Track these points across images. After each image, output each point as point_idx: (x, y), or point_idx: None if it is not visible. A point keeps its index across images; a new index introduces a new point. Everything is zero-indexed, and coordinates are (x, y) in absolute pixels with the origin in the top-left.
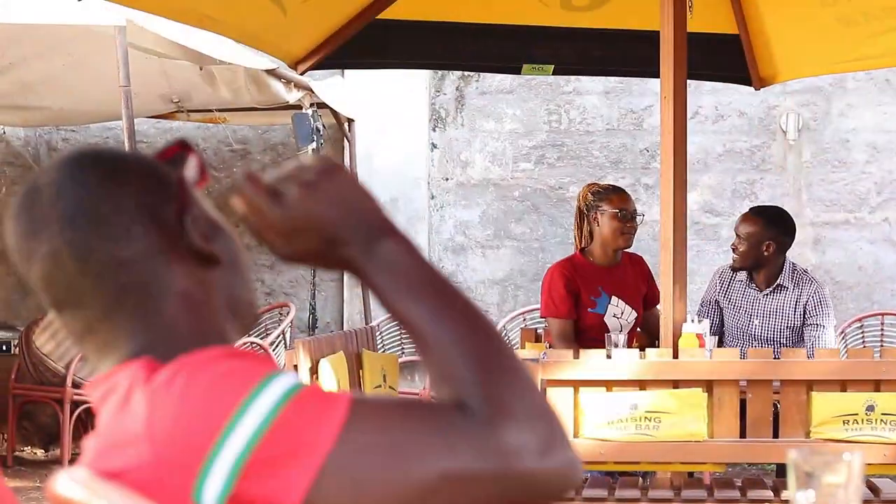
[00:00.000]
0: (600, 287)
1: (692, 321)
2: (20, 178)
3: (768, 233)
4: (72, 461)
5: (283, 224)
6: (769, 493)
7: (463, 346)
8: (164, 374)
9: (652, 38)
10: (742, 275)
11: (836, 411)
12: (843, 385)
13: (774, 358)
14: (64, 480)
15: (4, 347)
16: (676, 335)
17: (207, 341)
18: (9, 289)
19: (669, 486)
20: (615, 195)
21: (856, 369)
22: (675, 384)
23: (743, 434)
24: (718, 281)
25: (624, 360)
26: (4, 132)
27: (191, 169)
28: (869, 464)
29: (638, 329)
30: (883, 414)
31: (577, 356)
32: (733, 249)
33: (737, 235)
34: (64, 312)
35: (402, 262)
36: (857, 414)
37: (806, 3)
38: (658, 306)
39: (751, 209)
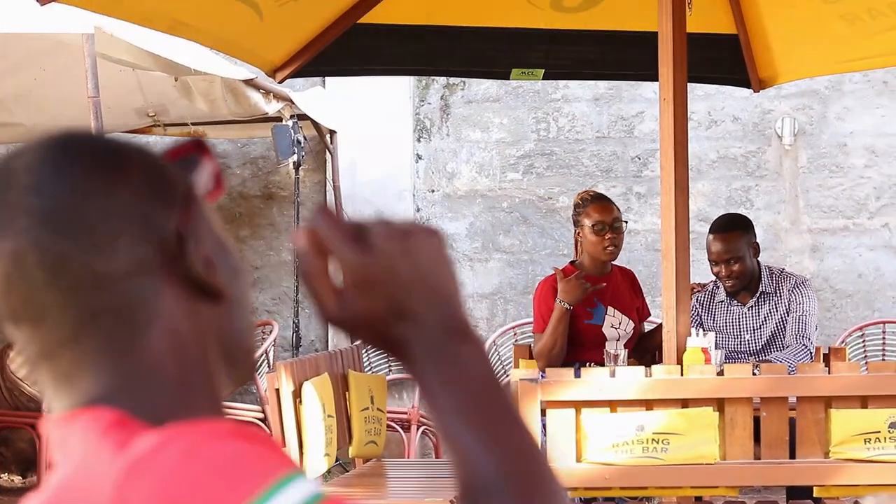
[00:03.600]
0: (595, 297)
1: (696, 334)
2: None
3: (748, 240)
4: None
5: (358, 271)
6: None
7: (511, 488)
8: (146, 444)
9: (648, 39)
10: (721, 294)
11: (857, 429)
12: (863, 401)
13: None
14: None
15: None
16: (680, 350)
17: (192, 393)
18: None
19: None
20: (592, 206)
21: (877, 384)
22: (684, 403)
23: (757, 455)
24: (698, 305)
25: (628, 378)
26: None
27: (203, 176)
28: (892, 484)
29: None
30: None
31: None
32: (728, 276)
33: (721, 261)
34: (20, 327)
35: (469, 374)
36: (879, 431)
37: (808, 0)
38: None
39: (718, 229)
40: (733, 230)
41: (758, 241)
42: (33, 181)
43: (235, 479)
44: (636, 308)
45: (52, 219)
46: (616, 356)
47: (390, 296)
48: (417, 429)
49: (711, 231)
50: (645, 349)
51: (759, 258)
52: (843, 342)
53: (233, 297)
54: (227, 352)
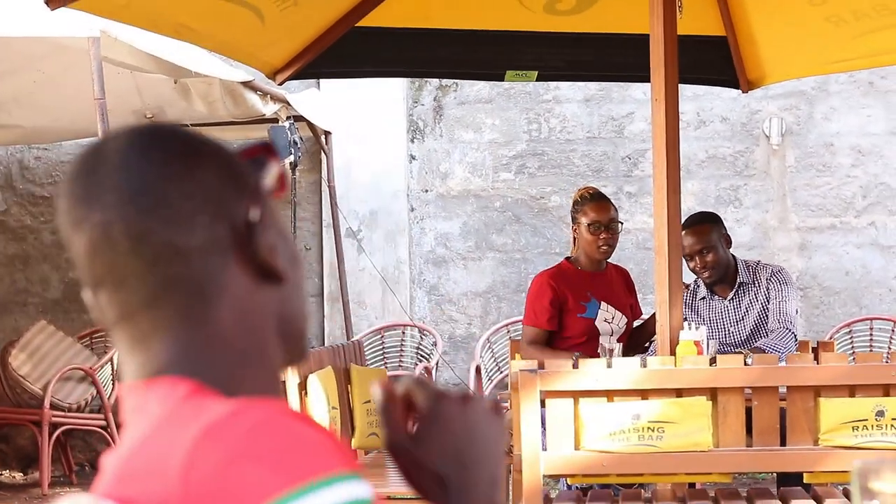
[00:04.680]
0: (589, 292)
1: (688, 328)
2: None
3: (719, 231)
4: (51, 484)
5: (432, 425)
6: (777, 503)
7: None
8: (217, 414)
9: (639, 41)
10: (702, 290)
11: (845, 417)
12: (851, 390)
13: None
14: None
15: None
16: (674, 343)
17: (255, 365)
18: None
19: (673, 497)
20: (590, 205)
21: (864, 374)
22: (678, 393)
23: (749, 443)
24: (683, 304)
25: (625, 369)
26: None
27: (270, 175)
28: None
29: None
30: (893, 419)
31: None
32: (703, 267)
33: (695, 254)
34: (101, 292)
35: None
36: (866, 419)
37: (794, 2)
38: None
39: (688, 224)
40: (703, 223)
41: (743, 238)
42: (122, 162)
43: (291, 463)
44: (629, 305)
45: (138, 195)
46: (611, 350)
47: (451, 448)
48: (414, 424)
49: (683, 228)
50: (637, 343)
51: (740, 254)
52: (831, 338)
53: (292, 282)
54: (283, 332)
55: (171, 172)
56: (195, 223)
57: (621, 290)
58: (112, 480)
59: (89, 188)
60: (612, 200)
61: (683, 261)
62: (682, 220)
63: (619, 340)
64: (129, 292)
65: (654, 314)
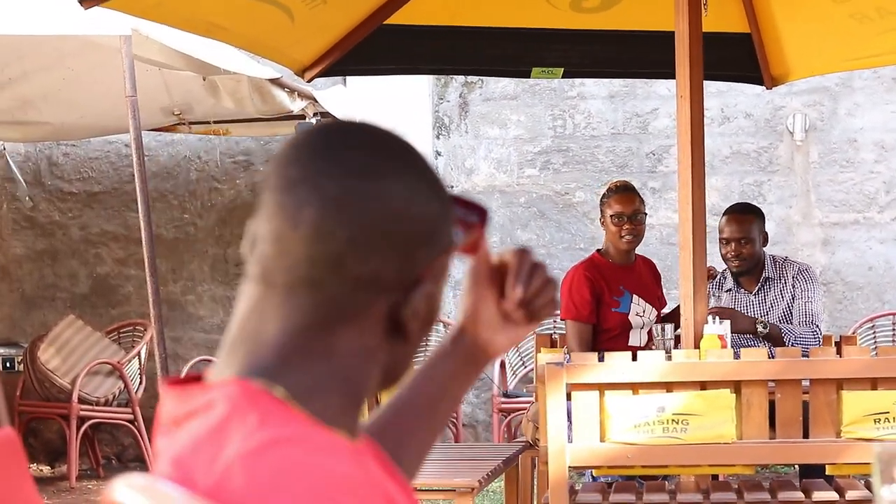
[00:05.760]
0: (622, 286)
1: (712, 322)
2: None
3: (760, 226)
4: (78, 478)
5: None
6: (800, 495)
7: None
8: (271, 435)
9: (664, 38)
10: (729, 282)
11: (867, 410)
12: (873, 383)
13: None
14: (122, 488)
15: (9, 364)
16: (698, 337)
17: (347, 403)
18: (13, 305)
19: (696, 489)
20: (613, 197)
21: (886, 367)
22: (703, 385)
23: (772, 435)
24: (707, 293)
25: (650, 362)
26: (4, 148)
27: (466, 239)
28: None
29: None
30: None
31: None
32: (736, 256)
33: (733, 241)
34: (259, 244)
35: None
36: (888, 412)
37: (818, 0)
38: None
39: (734, 210)
40: (748, 213)
41: (770, 234)
42: (358, 161)
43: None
44: (658, 297)
45: (347, 202)
46: (664, 336)
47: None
48: None
49: (727, 213)
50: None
51: (766, 249)
52: (853, 333)
53: (413, 345)
54: (383, 378)
55: (390, 200)
56: (372, 257)
57: (650, 282)
58: (167, 465)
59: (314, 163)
60: None
61: (720, 245)
62: (713, 214)
63: (648, 333)
64: (282, 267)
65: (678, 306)
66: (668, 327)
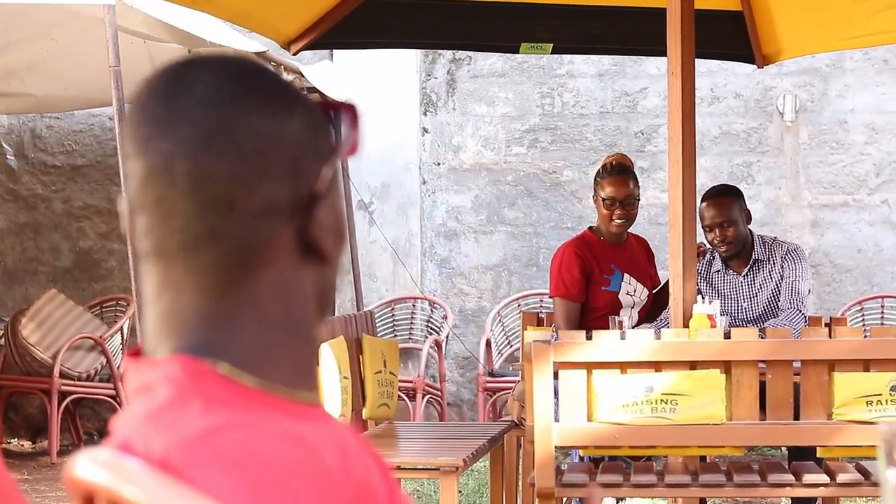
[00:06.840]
0: (613, 264)
1: (702, 300)
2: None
3: (740, 205)
4: (60, 453)
5: None
6: (790, 477)
7: None
8: (217, 421)
9: (655, 15)
10: (717, 263)
11: (859, 391)
12: (865, 364)
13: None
14: (85, 463)
15: None
16: (687, 316)
17: (297, 339)
18: None
19: (684, 470)
20: (606, 180)
21: (879, 348)
22: (692, 365)
23: (763, 417)
24: (697, 275)
25: (638, 341)
26: None
27: (347, 137)
28: None
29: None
30: None
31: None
32: (722, 241)
33: (715, 227)
34: (141, 217)
35: None
36: (880, 394)
37: None
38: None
39: (711, 195)
40: (725, 195)
41: (756, 215)
42: (206, 97)
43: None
44: (650, 276)
45: (211, 138)
46: (621, 323)
47: None
48: (423, 397)
49: (704, 199)
50: (652, 315)
51: (753, 230)
52: (842, 315)
53: (333, 262)
54: (318, 308)
55: (254, 125)
56: (260, 184)
57: (643, 260)
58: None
59: (165, 114)
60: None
61: (703, 232)
62: (702, 193)
63: (639, 312)
64: (172, 230)
65: (667, 281)
66: (628, 317)
